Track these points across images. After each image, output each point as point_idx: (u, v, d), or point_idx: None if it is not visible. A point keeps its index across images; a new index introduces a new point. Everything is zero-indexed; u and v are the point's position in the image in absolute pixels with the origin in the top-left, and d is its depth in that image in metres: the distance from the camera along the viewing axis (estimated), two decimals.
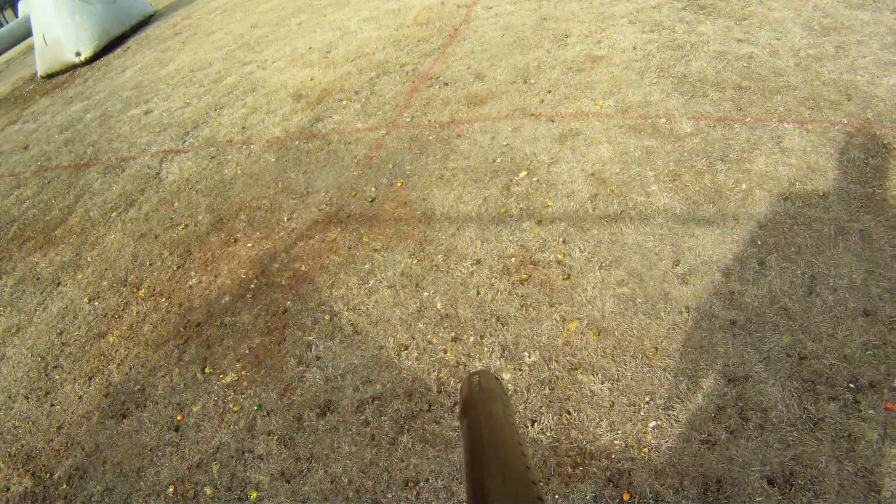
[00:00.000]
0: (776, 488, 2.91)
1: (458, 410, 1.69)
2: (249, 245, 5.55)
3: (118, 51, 13.90)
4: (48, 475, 4.25)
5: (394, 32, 9.32)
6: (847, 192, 4.28)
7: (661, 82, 5.94)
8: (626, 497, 3.05)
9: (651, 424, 3.29)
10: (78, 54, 13.65)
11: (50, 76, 13.85)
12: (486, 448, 1.05)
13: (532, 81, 6.63)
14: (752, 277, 3.88)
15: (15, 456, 4.49)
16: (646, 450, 3.19)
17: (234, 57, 10.66)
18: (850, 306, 3.57)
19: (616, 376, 3.54)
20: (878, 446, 2.96)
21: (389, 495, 3.38)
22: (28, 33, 17.01)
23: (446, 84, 7.16)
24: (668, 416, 3.30)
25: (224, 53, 11.05)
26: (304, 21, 11.38)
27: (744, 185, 4.53)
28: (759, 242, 4.08)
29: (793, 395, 3.22)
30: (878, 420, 3.05)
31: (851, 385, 3.20)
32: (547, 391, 3.57)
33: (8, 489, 4.29)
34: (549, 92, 6.33)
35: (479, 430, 1.12)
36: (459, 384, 1.42)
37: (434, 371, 3.90)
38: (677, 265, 4.08)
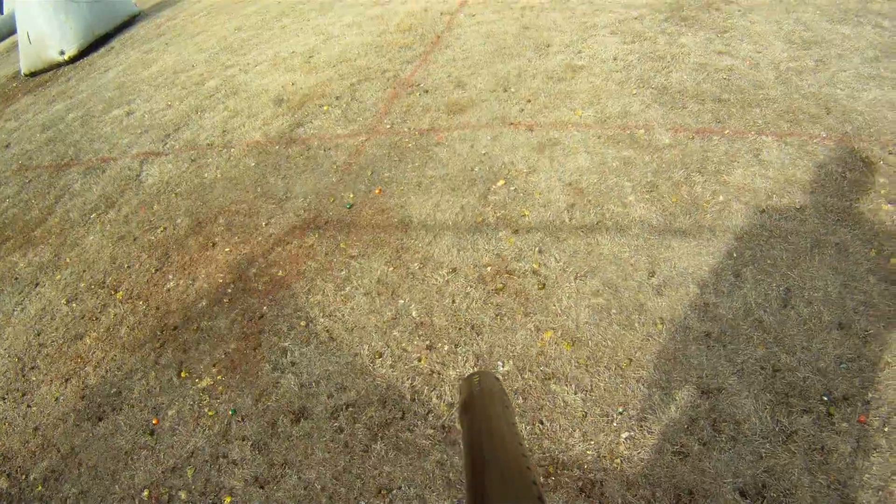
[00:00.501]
0: (748, 500, 2.93)
1: (458, 410, 1.69)
2: (227, 249, 5.55)
3: (102, 50, 13.83)
4: (24, 476, 4.23)
5: (376, 38, 9.32)
6: (824, 205, 4.31)
7: (640, 93, 5.97)
8: None
9: (624, 435, 3.30)
10: (62, 53, 13.58)
11: (33, 74, 13.77)
12: (486, 448, 1.07)
13: (512, 90, 6.65)
14: (727, 290, 3.90)
15: None
16: (618, 460, 3.20)
17: (217, 60, 10.64)
18: (824, 319, 3.60)
19: (589, 387, 3.55)
20: (851, 459, 2.98)
21: (362, 502, 3.39)
22: (13, 30, 16.94)
23: (427, 91, 7.17)
24: (641, 427, 3.31)
25: (207, 56, 11.02)
26: (288, 25, 11.37)
27: (721, 198, 4.56)
28: (735, 255, 4.10)
29: (766, 408, 3.25)
30: (851, 433, 3.08)
31: (825, 398, 3.23)
32: (520, 401, 3.58)
33: None
34: (529, 101, 6.35)
35: (478, 430, 1.13)
36: (459, 384, 1.44)
37: (408, 379, 3.90)
38: (653, 276, 4.10)
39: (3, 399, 4.89)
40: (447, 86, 7.16)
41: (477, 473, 1.01)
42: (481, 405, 1.21)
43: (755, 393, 3.32)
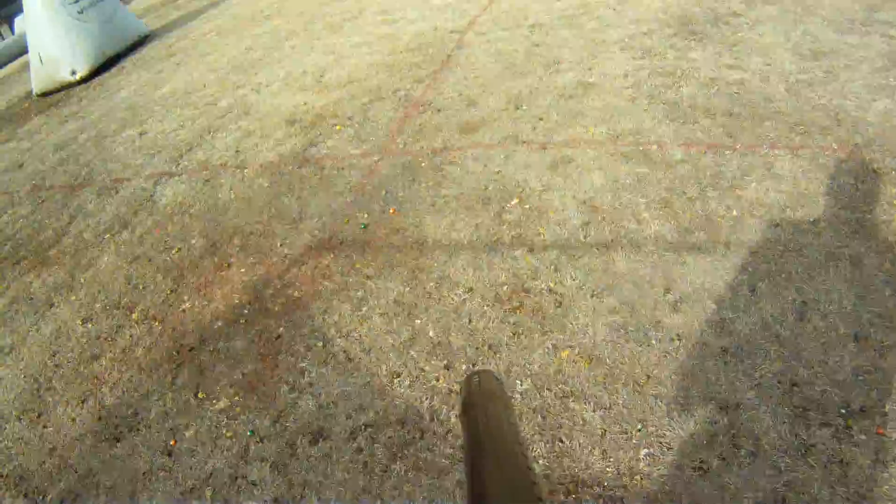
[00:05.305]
0: None
1: (458, 409, 1.71)
2: (243, 270, 5.57)
3: (113, 70, 13.89)
4: (41, 497, 4.24)
5: (386, 58, 9.36)
6: (837, 217, 4.32)
7: (652, 109, 5.98)
8: None
9: (643, 452, 3.30)
10: (73, 73, 13.63)
11: (45, 94, 13.83)
12: (486, 448, 1.07)
13: (524, 108, 6.68)
14: (743, 304, 3.90)
15: (7, 477, 4.49)
16: (638, 477, 3.21)
17: (229, 80, 10.68)
18: (840, 332, 3.60)
19: (608, 404, 3.56)
20: (870, 471, 2.98)
21: None
22: (24, 50, 17.01)
23: (439, 110, 7.20)
24: (660, 443, 3.32)
25: (218, 76, 11.06)
26: (298, 45, 11.40)
27: (735, 212, 4.57)
28: (751, 269, 4.11)
29: (784, 422, 3.25)
30: (869, 445, 3.08)
31: (843, 411, 3.23)
32: (539, 419, 3.59)
33: None
34: (541, 119, 6.37)
35: (478, 429, 1.13)
36: (460, 384, 1.43)
37: (426, 399, 3.91)
38: (669, 293, 4.10)
39: (20, 419, 4.91)
40: (459, 104, 7.19)
41: (477, 473, 1.02)
42: (481, 405, 1.22)
43: (773, 407, 3.32)
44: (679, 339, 3.79)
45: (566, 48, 7.81)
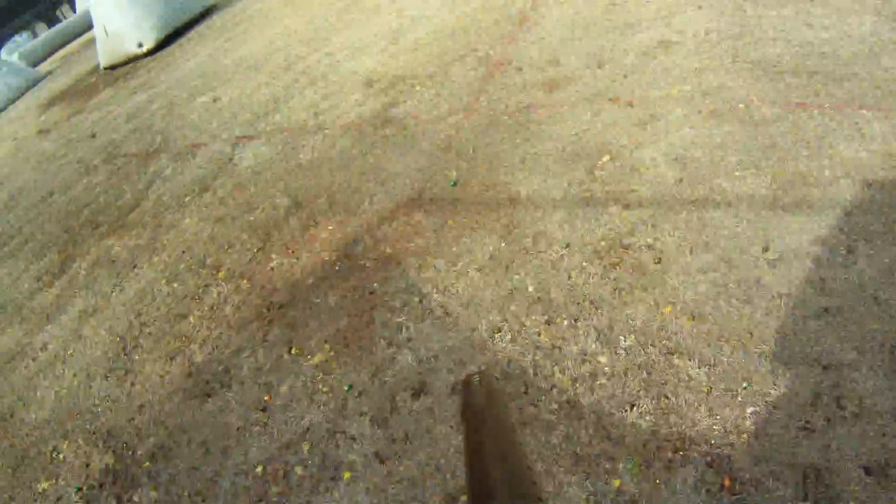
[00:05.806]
0: (873, 477, 2.90)
1: (458, 410, 1.71)
2: (331, 228, 5.61)
3: (181, 41, 14.02)
4: (130, 453, 4.34)
5: (460, 19, 9.34)
6: None
7: (735, 67, 5.89)
8: (726, 482, 3.05)
9: (749, 410, 3.28)
10: (140, 45, 13.82)
11: (112, 67, 14.05)
12: (487, 448, 1.10)
13: (606, 66, 6.61)
14: (841, 264, 3.84)
15: (95, 434, 4.59)
16: (745, 435, 3.19)
17: (301, 45, 10.71)
18: None
19: (712, 361, 3.54)
20: None
21: None
22: (85, 29, 17.27)
23: (520, 69, 7.17)
24: (766, 402, 3.29)
25: (289, 41, 11.10)
26: (370, 9, 11.40)
27: (827, 172, 4.50)
28: (846, 229, 4.05)
29: (888, 384, 3.21)
30: None
31: None
32: (644, 375, 3.58)
33: (88, 465, 4.39)
34: (626, 76, 6.31)
35: (479, 430, 1.16)
36: (459, 385, 1.42)
37: (529, 353, 3.91)
38: (766, 251, 4.06)
39: (106, 378, 5.02)
40: (540, 63, 7.16)
41: (477, 473, 1.04)
42: (482, 405, 1.24)
43: (875, 369, 3.28)
44: (780, 298, 3.75)
45: (643, 6, 7.71)
